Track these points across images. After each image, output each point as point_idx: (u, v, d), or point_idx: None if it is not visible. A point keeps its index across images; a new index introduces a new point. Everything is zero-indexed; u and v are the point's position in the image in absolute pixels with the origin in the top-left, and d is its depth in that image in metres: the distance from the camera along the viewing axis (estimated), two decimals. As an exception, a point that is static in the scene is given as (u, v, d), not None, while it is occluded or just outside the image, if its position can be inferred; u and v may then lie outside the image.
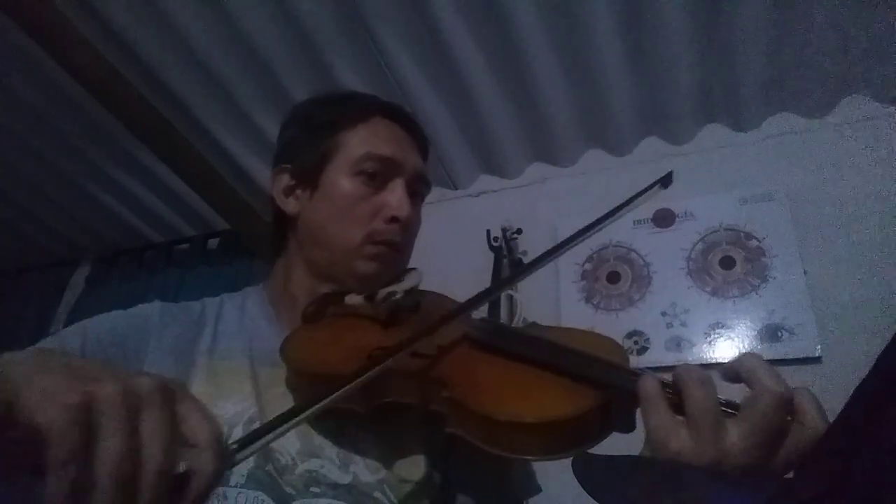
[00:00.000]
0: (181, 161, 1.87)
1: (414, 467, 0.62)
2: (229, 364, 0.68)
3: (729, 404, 0.44)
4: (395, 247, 0.74)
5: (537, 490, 0.73)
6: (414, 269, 0.78)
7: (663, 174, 0.64)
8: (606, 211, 0.66)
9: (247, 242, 2.21)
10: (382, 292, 0.71)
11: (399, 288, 0.72)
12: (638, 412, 0.47)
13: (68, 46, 1.53)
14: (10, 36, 1.60)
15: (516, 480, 0.72)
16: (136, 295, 2.38)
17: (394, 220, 0.72)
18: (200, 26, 1.62)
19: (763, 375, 0.43)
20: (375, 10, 1.55)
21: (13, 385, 0.34)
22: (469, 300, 0.60)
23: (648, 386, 0.44)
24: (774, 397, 0.41)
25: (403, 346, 0.53)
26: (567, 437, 0.48)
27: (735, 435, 0.41)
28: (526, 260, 1.85)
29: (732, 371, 0.45)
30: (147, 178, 2.21)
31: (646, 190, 0.64)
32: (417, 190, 0.78)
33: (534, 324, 0.68)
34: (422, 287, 0.76)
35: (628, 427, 0.50)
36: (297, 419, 0.43)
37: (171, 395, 0.36)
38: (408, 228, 0.75)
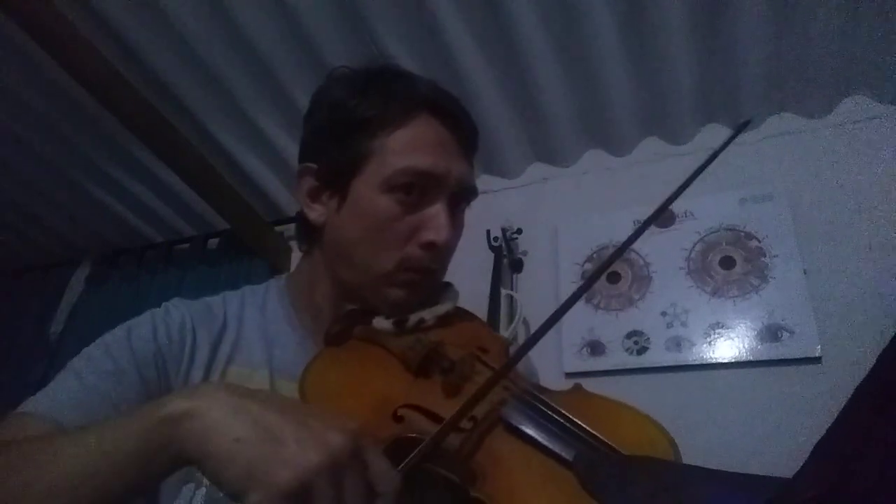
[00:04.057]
0: (181, 161, 1.87)
1: None
2: (248, 374, 0.64)
3: None
4: (431, 273, 0.67)
5: None
6: (449, 285, 0.72)
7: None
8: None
9: (247, 242, 2.21)
10: (414, 318, 0.65)
11: (431, 315, 0.67)
12: None
13: (68, 46, 1.53)
14: (10, 36, 1.60)
15: None
16: (137, 295, 2.38)
17: (430, 245, 0.64)
18: (200, 26, 1.63)
19: None
20: (375, 10, 1.55)
21: (201, 442, 0.39)
22: (509, 361, 0.55)
23: None
24: None
25: (442, 433, 0.48)
26: None
27: None
28: (526, 260, 1.85)
29: None
30: (147, 178, 2.21)
31: (728, 141, 0.61)
32: (461, 200, 0.70)
33: (578, 386, 0.60)
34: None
35: None
36: None
37: (361, 450, 0.40)
38: (445, 252, 0.68)
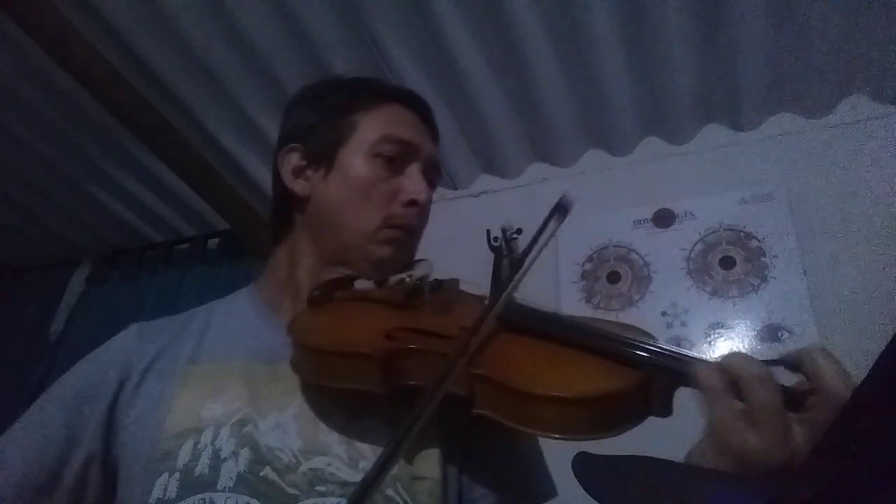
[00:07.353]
0: (181, 161, 1.87)
1: (428, 464, 0.60)
2: (217, 366, 0.66)
3: (788, 397, 0.41)
4: (412, 231, 0.73)
5: (554, 493, 0.71)
6: (425, 259, 0.76)
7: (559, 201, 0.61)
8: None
9: (247, 242, 2.21)
10: (394, 278, 0.69)
11: (411, 276, 0.70)
12: (677, 395, 0.47)
13: (68, 46, 1.53)
14: (11, 36, 1.60)
15: (534, 482, 0.70)
16: (136, 295, 2.38)
17: (412, 203, 0.71)
18: (200, 26, 1.62)
19: (831, 380, 0.40)
20: (375, 10, 1.55)
21: None
22: (508, 283, 0.60)
23: (711, 377, 0.43)
24: (841, 402, 0.38)
25: (485, 316, 0.52)
26: (603, 417, 0.45)
27: (801, 435, 0.40)
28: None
29: (797, 365, 0.43)
30: (147, 178, 2.21)
31: (546, 222, 0.63)
32: (431, 177, 0.76)
33: (556, 313, 0.65)
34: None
35: (666, 411, 0.48)
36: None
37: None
38: (423, 213, 0.75)
